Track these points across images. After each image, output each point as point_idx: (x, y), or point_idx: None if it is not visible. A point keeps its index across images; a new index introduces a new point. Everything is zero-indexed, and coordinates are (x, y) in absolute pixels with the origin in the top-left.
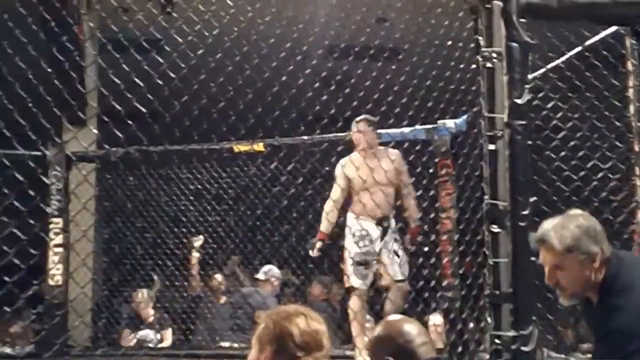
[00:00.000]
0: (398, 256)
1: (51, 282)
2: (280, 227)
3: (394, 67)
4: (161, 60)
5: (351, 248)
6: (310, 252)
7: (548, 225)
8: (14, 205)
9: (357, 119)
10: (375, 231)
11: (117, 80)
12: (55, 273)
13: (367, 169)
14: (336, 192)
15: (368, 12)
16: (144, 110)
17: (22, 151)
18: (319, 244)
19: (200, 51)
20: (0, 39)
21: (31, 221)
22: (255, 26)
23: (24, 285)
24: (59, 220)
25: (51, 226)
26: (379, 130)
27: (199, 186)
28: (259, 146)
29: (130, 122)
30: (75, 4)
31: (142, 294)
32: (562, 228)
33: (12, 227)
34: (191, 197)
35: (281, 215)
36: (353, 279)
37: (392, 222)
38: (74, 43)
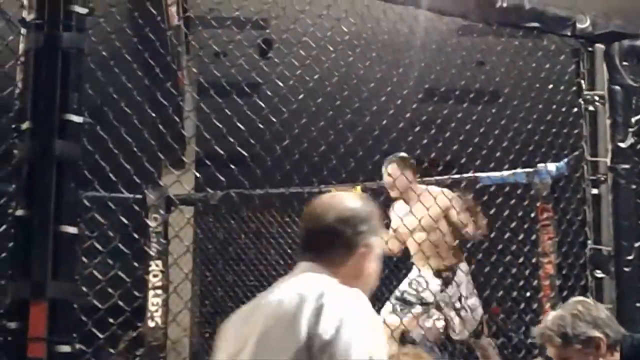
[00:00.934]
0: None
1: (151, 324)
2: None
3: (494, 110)
4: (262, 104)
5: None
6: None
7: (548, 317)
8: (116, 248)
9: (388, 159)
10: (431, 279)
11: (217, 124)
12: (155, 315)
13: (401, 215)
14: (389, 242)
15: (468, 56)
16: (244, 153)
17: (124, 194)
18: None
19: (301, 95)
20: (107, 85)
21: (135, 264)
22: (356, 70)
23: (125, 327)
24: (159, 262)
25: (151, 268)
26: (477, 174)
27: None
28: (359, 190)
29: (229, 165)
30: (177, 50)
31: None
32: (559, 319)
33: (116, 269)
34: (291, 241)
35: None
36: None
37: (460, 270)
38: (176, 88)
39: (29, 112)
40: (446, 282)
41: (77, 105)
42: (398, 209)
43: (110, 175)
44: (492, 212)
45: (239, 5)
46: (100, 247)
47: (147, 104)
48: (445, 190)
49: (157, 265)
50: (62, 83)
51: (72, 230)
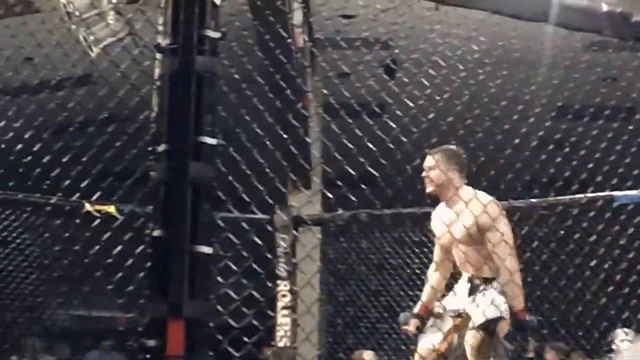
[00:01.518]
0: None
1: (281, 344)
2: None
3: (631, 127)
4: (392, 124)
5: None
6: (405, 328)
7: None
8: (246, 268)
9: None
10: (463, 286)
11: (345, 144)
12: (285, 335)
13: (443, 220)
14: (435, 251)
15: (602, 72)
16: (375, 173)
17: (255, 215)
18: (413, 323)
19: (431, 115)
20: (236, 106)
21: (268, 284)
22: (486, 89)
23: (259, 346)
24: (287, 282)
25: (280, 288)
26: (613, 193)
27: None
28: None
29: (357, 185)
30: (304, 72)
31: (367, 355)
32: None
33: (249, 289)
34: (422, 260)
35: None
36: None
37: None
38: (303, 108)
39: (164, 135)
40: (472, 290)
41: (211, 128)
42: (441, 214)
43: (244, 196)
44: (630, 232)
45: (368, 27)
46: (234, 267)
47: (276, 125)
48: (494, 200)
49: (285, 286)
50: (196, 106)
51: (207, 250)
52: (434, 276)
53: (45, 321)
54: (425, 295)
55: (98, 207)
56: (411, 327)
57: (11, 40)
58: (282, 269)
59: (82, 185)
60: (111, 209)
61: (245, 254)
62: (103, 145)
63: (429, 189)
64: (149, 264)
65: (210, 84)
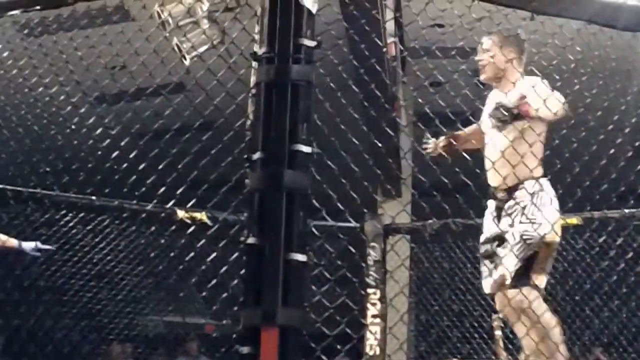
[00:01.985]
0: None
1: (370, 352)
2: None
3: None
4: None
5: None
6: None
7: None
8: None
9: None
10: (490, 208)
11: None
12: (375, 343)
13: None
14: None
15: None
16: (468, 182)
17: (346, 223)
18: (433, 143)
19: None
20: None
21: (361, 292)
22: (582, 98)
23: (351, 355)
24: (376, 291)
25: (370, 297)
26: None
27: None
28: (572, 220)
29: (446, 194)
30: (396, 80)
31: None
32: None
33: (343, 297)
34: None
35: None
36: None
37: (521, 192)
38: (391, 120)
39: (259, 143)
40: (499, 208)
41: (306, 136)
42: (490, 100)
43: (338, 204)
44: None
45: (462, 35)
46: (327, 275)
47: (368, 132)
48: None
49: (376, 294)
50: (291, 114)
51: (302, 258)
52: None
53: (138, 327)
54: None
55: (190, 215)
56: (430, 147)
57: (108, 48)
58: (372, 278)
59: (177, 192)
60: (202, 216)
61: (337, 262)
62: (198, 153)
63: (483, 76)
64: (242, 271)
65: (305, 92)
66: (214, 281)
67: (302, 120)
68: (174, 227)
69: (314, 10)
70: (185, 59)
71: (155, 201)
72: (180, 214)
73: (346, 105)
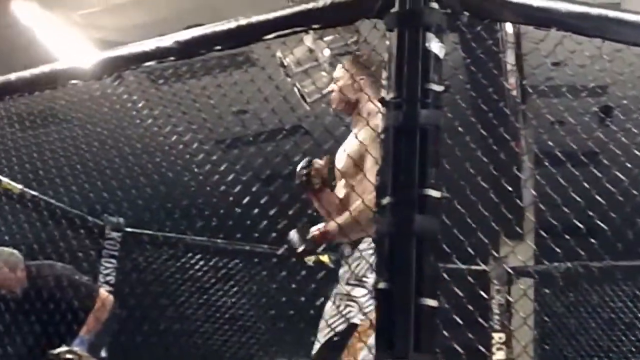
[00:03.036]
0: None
1: None
2: None
3: None
4: (598, 173)
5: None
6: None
7: None
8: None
9: None
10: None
11: (553, 195)
12: None
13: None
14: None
15: None
16: (580, 225)
17: (473, 266)
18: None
19: None
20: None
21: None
22: None
23: None
24: (501, 335)
25: (493, 341)
26: None
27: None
28: None
29: (567, 236)
30: (514, 120)
31: None
32: None
33: (474, 342)
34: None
35: None
36: None
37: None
38: (512, 158)
39: (389, 188)
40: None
41: (435, 180)
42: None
43: (468, 248)
44: None
45: (574, 73)
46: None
47: (490, 172)
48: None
49: (500, 339)
50: (420, 159)
51: (432, 303)
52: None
53: None
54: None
55: (317, 259)
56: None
57: (236, 93)
58: (496, 321)
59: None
60: (325, 258)
61: (465, 305)
62: None
63: (334, 105)
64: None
65: (433, 137)
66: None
67: (431, 164)
68: (303, 272)
69: (441, 55)
70: (306, 101)
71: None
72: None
73: (468, 143)
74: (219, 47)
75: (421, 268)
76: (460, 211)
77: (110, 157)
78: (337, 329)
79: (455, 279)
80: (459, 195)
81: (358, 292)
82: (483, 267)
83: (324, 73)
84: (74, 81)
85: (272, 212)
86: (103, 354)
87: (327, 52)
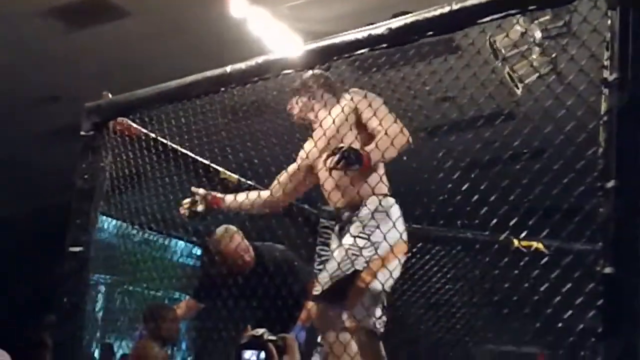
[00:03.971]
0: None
1: None
2: None
3: None
4: None
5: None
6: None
7: None
8: None
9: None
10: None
11: None
12: None
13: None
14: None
15: None
16: None
17: None
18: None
19: None
20: None
21: None
22: None
23: None
24: None
25: None
26: None
27: None
28: None
29: None
30: None
31: None
32: None
33: None
34: None
35: None
36: None
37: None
38: None
39: (613, 171)
40: (341, 227)
41: None
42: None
43: None
44: None
45: None
46: None
47: None
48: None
49: None
50: None
51: None
52: None
53: (474, 357)
54: None
55: (526, 244)
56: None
57: (436, 82)
58: None
59: (511, 222)
60: (539, 245)
61: None
62: (529, 182)
63: (295, 116)
64: (600, 301)
65: None
66: (550, 310)
67: None
68: (506, 258)
69: None
70: (518, 87)
71: (488, 232)
72: (516, 243)
73: None
74: (431, 33)
75: None
76: None
77: None
78: (347, 272)
79: None
80: None
81: (362, 243)
82: None
83: (534, 56)
84: (286, 71)
85: (492, 199)
86: None
87: (538, 35)
